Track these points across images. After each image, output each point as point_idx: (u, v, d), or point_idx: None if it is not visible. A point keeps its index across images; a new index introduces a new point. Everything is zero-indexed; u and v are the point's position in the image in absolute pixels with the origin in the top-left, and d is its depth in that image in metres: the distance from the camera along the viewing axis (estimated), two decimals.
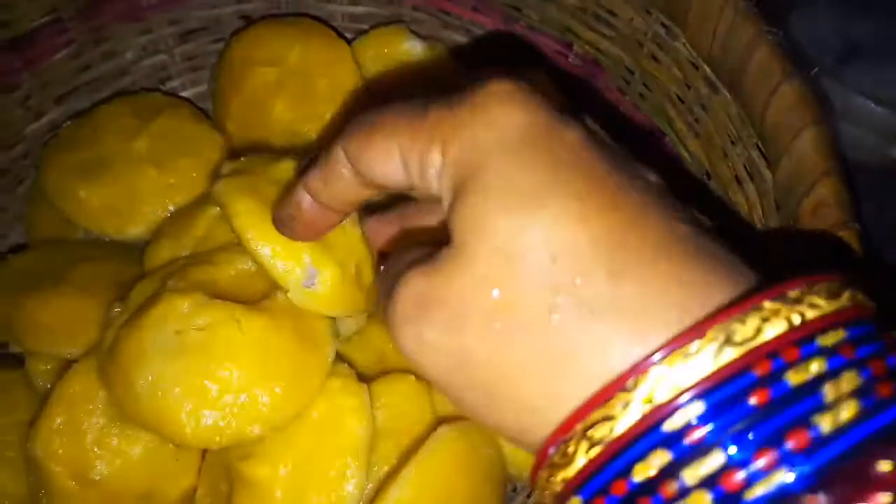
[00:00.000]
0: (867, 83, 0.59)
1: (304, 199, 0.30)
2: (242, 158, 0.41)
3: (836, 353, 0.19)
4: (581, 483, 0.19)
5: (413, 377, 0.43)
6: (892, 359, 0.19)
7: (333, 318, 0.41)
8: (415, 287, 0.23)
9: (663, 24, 0.45)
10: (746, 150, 0.41)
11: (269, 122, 0.51)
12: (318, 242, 0.36)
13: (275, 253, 0.36)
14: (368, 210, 0.38)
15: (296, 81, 0.51)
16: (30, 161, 0.53)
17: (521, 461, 0.49)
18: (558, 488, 0.20)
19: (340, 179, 0.28)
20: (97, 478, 0.39)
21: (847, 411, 0.18)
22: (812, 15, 0.62)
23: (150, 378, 0.36)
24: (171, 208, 0.49)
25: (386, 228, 0.35)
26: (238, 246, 0.41)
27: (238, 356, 0.36)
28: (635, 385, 0.19)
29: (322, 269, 0.36)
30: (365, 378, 0.42)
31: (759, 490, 0.17)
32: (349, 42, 0.54)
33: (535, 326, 0.21)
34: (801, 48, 0.61)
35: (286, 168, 0.39)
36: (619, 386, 0.19)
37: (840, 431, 0.18)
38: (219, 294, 0.38)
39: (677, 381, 0.19)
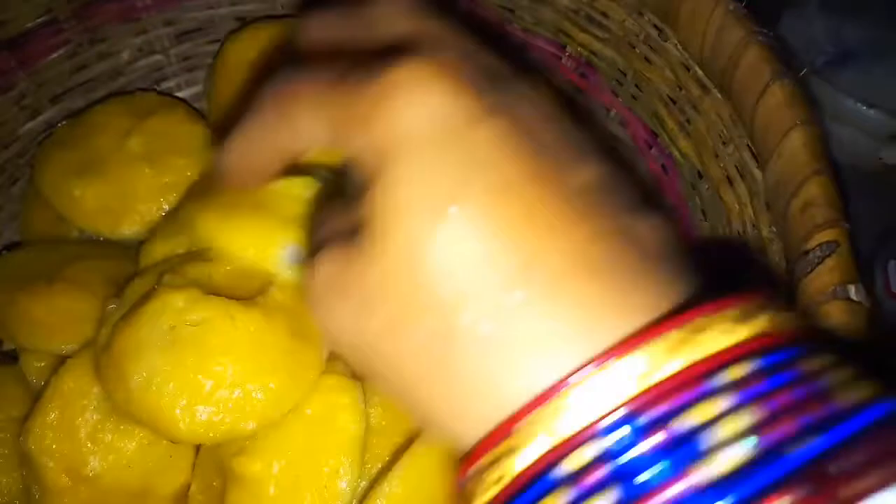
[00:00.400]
0: (859, 86, 0.59)
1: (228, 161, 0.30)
2: None
3: (736, 389, 0.18)
4: None
5: None
6: (800, 391, 0.18)
7: None
8: (331, 265, 0.23)
9: (655, 26, 0.46)
10: (737, 151, 0.41)
11: None
12: (280, 222, 0.38)
13: (247, 245, 0.38)
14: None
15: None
16: (24, 160, 0.53)
17: None
18: None
19: (263, 140, 0.28)
20: (91, 474, 0.39)
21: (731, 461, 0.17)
22: (804, 16, 0.63)
23: (144, 373, 0.37)
24: (166, 207, 0.49)
25: (324, 32, 0.30)
26: None
27: (232, 351, 0.37)
28: (534, 419, 0.18)
29: (298, 242, 0.38)
30: (359, 376, 0.42)
31: None
32: None
33: (433, 339, 0.21)
34: (793, 50, 0.61)
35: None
36: (517, 419, 0.19)
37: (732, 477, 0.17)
38: (214, 290, 0.39)
39: (575, 417, 0.18)
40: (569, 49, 0.52)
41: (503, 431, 0.19)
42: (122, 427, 0.40)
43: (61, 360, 0.42)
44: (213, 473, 0.41)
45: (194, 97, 0.58)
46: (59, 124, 0.52)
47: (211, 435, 0.37)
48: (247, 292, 0.39)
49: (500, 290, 0.20)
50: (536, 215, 0.20)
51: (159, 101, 0.54)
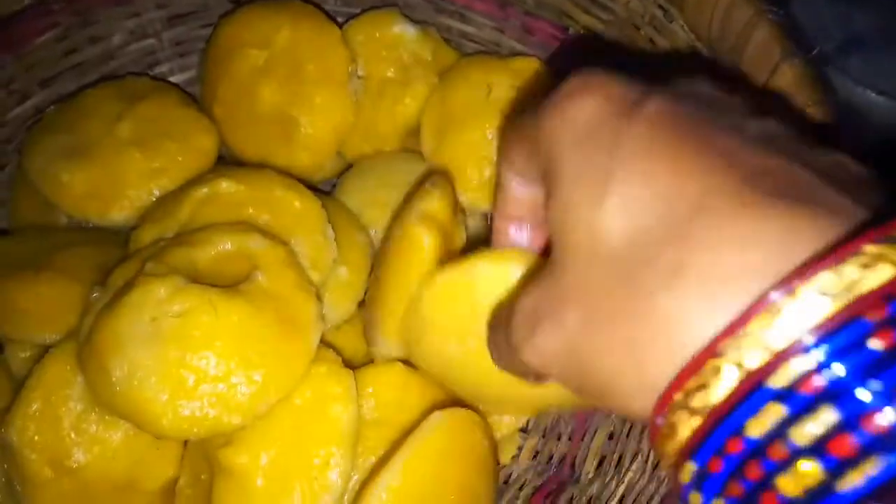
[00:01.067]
0: (868, 73, 0.58)
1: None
2: None
3: None
4: (690, 450, 0.19)
5: (400, 365, 0.42)
6: None
7: (320, 301, 0.40)
8: (523, 308, 0.24)
9: (661, 7, 0.44)
10: None
11: (257, 106, 0.50)
12: None
13: None
14: None
15: (284, 65, 0.50)
16: (13, 145, 0.52)
17: (509, 453, 0.48)
18: (672, 458, 0.20)
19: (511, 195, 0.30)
20: (74, 465, 0.38)
21: None
22: (812, 3, 0.61)
23: (125, 367, 0.35)
24: (157, 192, 0.48)
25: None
26: (219, 226, 0.40)
27: (215, 344, 0.35)
28: (725, 350, 0.18)
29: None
30: (352, 365, 0.41)
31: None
32: (340, 26, 0.53)
33: (625, 311, 0.21)
34: (803, 35, 0.59)
35: None
36: (709, 353, 0.19)
37: None
38: (198, 276, 0.37)
39: (781, 331, 0.18)
40: (572, 31, 0.51)
41: (706, 355, 0.19)
42: (106, 417, 0.39)
43: (46, 350, 0.40)
44: (202, 465, 0.40)
45: (187, 82, 0.57)
46: (49, 109, 0.51)
47: (195, 430, 0.36)
48: (232, 278, 0.38)
49: (683, 222, 0.20)
50: (705, 153, 0.21)
51: (151, 85, 0.53)
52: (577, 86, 0.24)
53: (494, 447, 0.42)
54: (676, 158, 0.21)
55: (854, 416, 0.16)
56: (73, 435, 0.38)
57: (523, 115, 0.27)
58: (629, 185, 0.21)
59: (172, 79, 0.57)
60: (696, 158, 0.21)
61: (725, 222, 0.20)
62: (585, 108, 0.23)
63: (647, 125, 0.22)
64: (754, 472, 0.18)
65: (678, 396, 0.19)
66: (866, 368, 0.17)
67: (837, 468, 0.17)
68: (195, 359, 0.35)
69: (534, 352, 0.24)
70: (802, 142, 0.23)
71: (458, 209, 0.43)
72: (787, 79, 0.35)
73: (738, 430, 0.18)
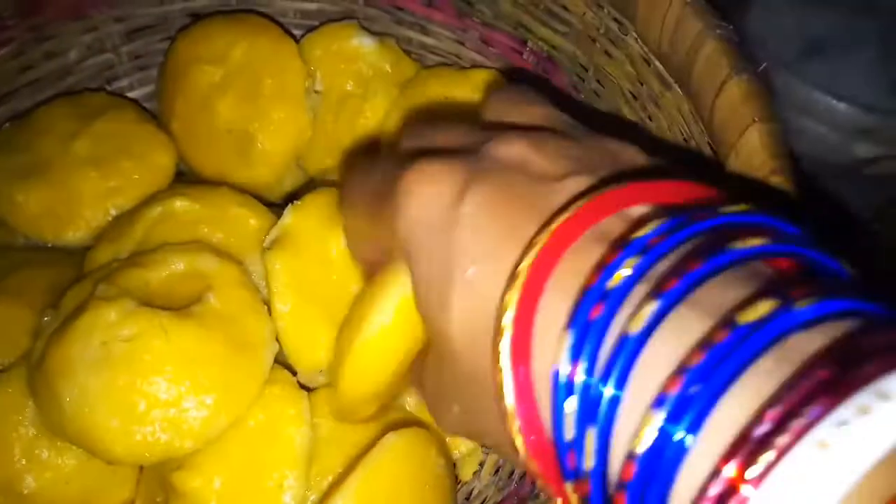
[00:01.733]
0: (828, 79, 0.58)
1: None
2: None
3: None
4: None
5: None
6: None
7: (272, 322, 0.39)
8: (427, 397, 0.28)
9: (615, 19, 0.44)
10: (699, 147, 0.40)
11: (214, 122, 0.49)
12: None
13: None
14: None
15: (241, 80, 0.50)
16: None
17: (471, 468, 0.48)
18: None
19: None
20: (26, 491, 0.38)
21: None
22: (773, 8, 0.62)
23: (76, 392, 0.35)
24: (113, 212, 0.47)
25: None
26: (171, 246, 0.40)
27: (165, 368, 0.35)
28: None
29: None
30: (307, 386, 0.41)
31: None
32: (298, 39, 0.53)
33: (480, 408, 0.24)
34: (762, 42, 0.60)
35: None
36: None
37: None
38: (150, 298, 0.37)
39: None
40: (530, 44, 0.51)
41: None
42: (58, 443, 0.38)
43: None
44: (158, 489, 0.40)
45: (147, 96, 0.56)
46: (3, 126, 0.50)
47: (147, 455, 0.35)
48: (184, 299, 0.38)
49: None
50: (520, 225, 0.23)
51: (108, 101, 0.52)
52: (408, 184, 0.25)
53: (451, 465, 0.42)
54: (500, 235, 0.23)
55: None
56: (23, 461, 0.38)
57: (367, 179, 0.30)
58: (466, 276, 0.23)
59: (132, 93, 0.56)
60: (513, 232, 0.23)
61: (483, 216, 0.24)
62: (424, 199, 0.25)
63: (467, 223, 0.24)
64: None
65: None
66: None
67: None
68: (146, 384, 0.35)
69: (446, 427, 0.28)
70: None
71: None
72: (735, 95, 0.35)
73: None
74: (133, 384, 0.35)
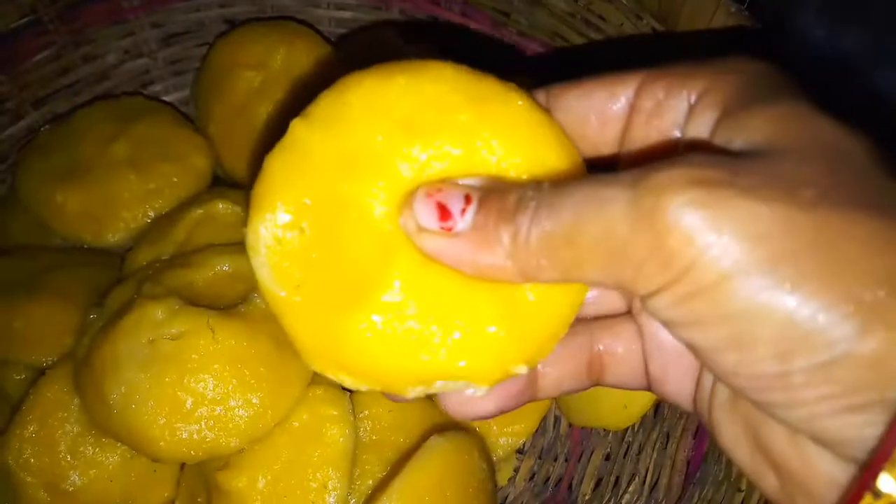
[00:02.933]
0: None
1: None
2: None
3: None
4: None
5: None
6: None
7: None
8: (706, 158, 0.20)
9: (654, 29, 0.45)
10: None
11: (253, 128, 0.50)
12: None
13: None
14: None
15: (280, 85, 0.50)
16: (6, 166, 0.52)
17: (506, 475, 0.48)
18: None
19: None
20: (70, 489, 0.38)
21: None
22: (803, 24, 0.62)
23: (122, 389, 0.35)
24: (152, 214, 0.47)
25: None
26: (216, 247, 0.40)
27: (212, 367, 0.35)
28: None
29: None
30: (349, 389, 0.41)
31: None
32: (334, 45, 0.53)
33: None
34: (791, 61, 0.60)
35: None
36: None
37: None
38: (195, 298, 0.37)
39: None
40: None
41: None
42: (103, 440, 0.38)
43: (41, 373, 0.40)
44: (199, 488, 0.40)
45: (182, 101, 0.57)
46: (42, 129, 0.51)
47: (192, 453, 0.35)
48: (230, 299, 0.38)
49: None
50: None
51: (145, 105, 0.53)
52: None
53: (493, 470, 0.42)
54: None
55: None
56: (69, 458, 0.38)
57: None
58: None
59: (167, 98, 0.57)
60: None
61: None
62: None
63: None
64: None
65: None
66: None
67: None
68: (193, 381, 0.35)
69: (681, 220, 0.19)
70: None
71: None
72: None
73: None
74: (180, 382, 0.35)
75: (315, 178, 0.23)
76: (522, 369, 0.23)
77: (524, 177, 0.23)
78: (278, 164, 0.23)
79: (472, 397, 0.24)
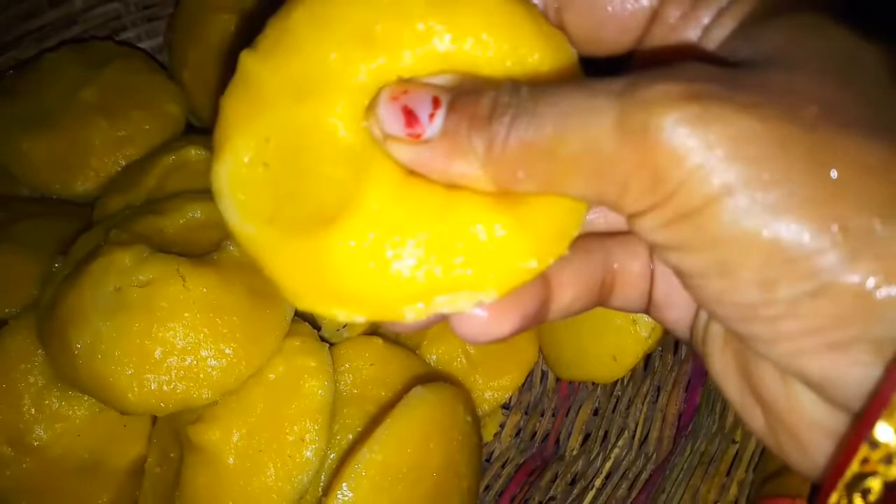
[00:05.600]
0: None
1: None
2: None
3: None
4: None
5: (379, 340, 0.40)
6: None
7: None
8: (702, 69, 0.18)
9: None
10: None
11: (229, 72, 0.48)
12: None
13: None
14: None
15: (257, 28, 0.48)
16: None
17: (491, 430, 0.47)
18: None
19: None
20: (36, 443, 0.37)
21: None
22: None
23: (88, 339, 0.34)
24: (123, 162, 0.46)
25: None
26: (188, 194, 0.38)
27: (182, 315, 0.34)
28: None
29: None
30: (329, 340, 0.39)
31: None
32: None
33: None
34: None
35: None
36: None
37: None
38: (165, 245, 0.36)
39: None
40: None
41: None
42: (69, 393, 0.37)
43: (4, 323, 0.38)
44: (171, 443, 0.38)
45: (156, 49, 0.54)
46: (7, 74, 0.49)
47: (162, 405, 0.34)
48: (202, 247, 0.36)
49: None
50: None
51: (116, 50, 0.51)
52: None
53: (478, 424, 0.41)
54: None
55: None
56: (33, 411, 0.37)
57: None
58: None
59: (140, 45, 0.54)
60: None
61: None
62: None
63: None
64: None
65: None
66: None
67: None
68: (162, 331, 0.34)
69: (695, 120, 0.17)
70: None
71: None
72: None
73: None
74: (148, 331, 0.33)
75: (271, 110, 0.21)
76: (533, 264, 0.20)
77: (501, 78, 0.20)
78: (233, 102, 0.22)
79: (483, 318, 0.22)
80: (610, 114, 0.18)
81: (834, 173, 0.17)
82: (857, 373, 0.17)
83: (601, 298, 0.25)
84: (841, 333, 0.17)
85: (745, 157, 0.17)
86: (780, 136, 0.17)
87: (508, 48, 0.21)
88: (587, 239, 0.24)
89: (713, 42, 0.20)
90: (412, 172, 0.20)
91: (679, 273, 0.20)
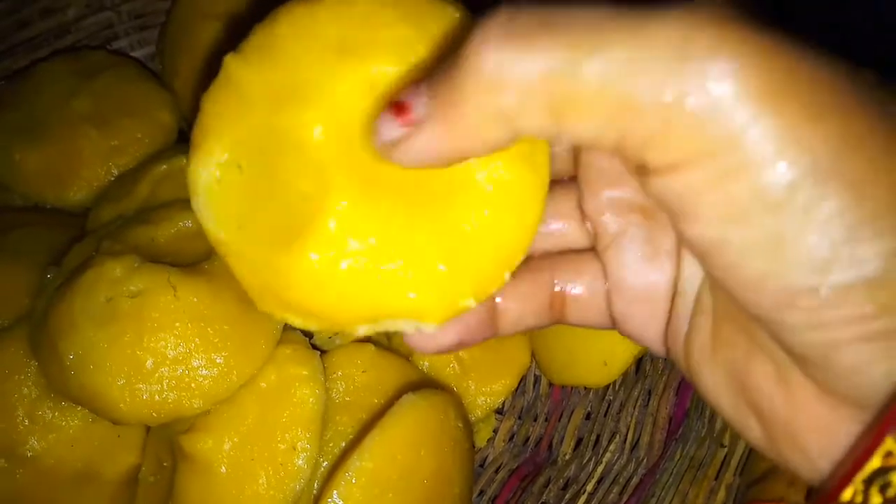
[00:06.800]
0: None
1: None
2: None
3: None
4: None
5: (372, 347, 0.40)
6: None
7: None
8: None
9: None
10: None
11: None
12: None
13: None
14: None
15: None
16: None
17: (485, 435, 0.47)
18: None
19: None
20: (29, 454, 0.37)
21: None
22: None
23: (79, 350, 0.34)
24: (115, 171, 0.46)
25: None
26: (179, 203, 0.38)
27: (173, 325, 0.34)
28: None
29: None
30: (321, 348, 0.40)
31: None
32: None
33: None
34: None
35: None
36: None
37: None
38: (157, 255, 0.36)
39: None
40: None
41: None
42: (62, 403, 0.37)
43: None
44: (165, 452, 0.38)
45: (148, 57, 0.55)
46: None
47: (154, 415, 0.34)
48: (193, 257, 0.36)
49: None
50: None
51: (108, 59, 0.51)
52: None
53: (470, 429, 0.41)
54: None
55: None
56: (27, 422, 0.37)
57: None
58: None
59: (132, 54, 0.54)
60: None
61: None
62: None
63: None
64: None
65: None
66: None
67: None
68: (153, 341, 0.34)
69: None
70: None
71: None
72: None
73: None
74: (139, 341, 0.34)
75: (250, 114, 0.22)
76: (471, 302, 0.21)
77: None
78: (213, 104, 0.22)
79: (427, 335, 0.23)
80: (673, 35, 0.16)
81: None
82: (886, 366, 0.16)
83: (554, 316, 0.25)
84: (883, 324, 0.16)
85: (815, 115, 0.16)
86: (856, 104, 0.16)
87: None
88: (536, 260, 0.24)
89: None
90: (370, 195, 0.21)
91: (712, 250, 0.18)
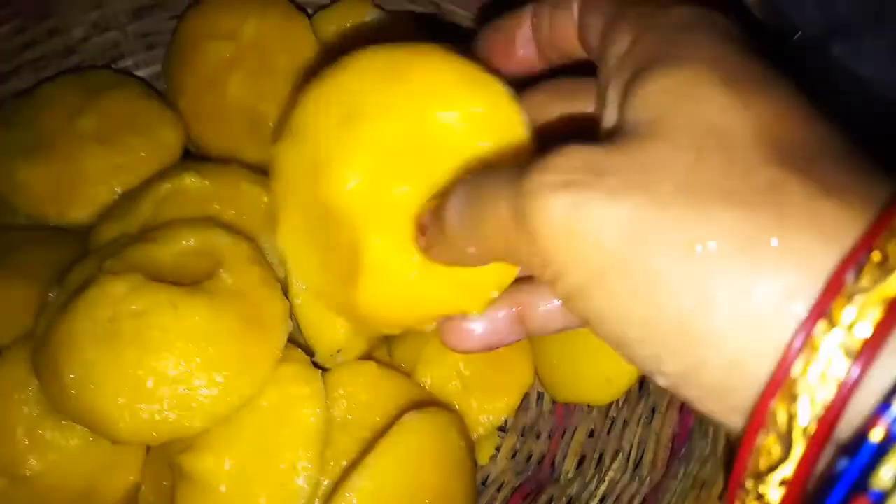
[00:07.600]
0: (851, 58, 0.57)
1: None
2: None
3: None
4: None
5: (374, 365, 0.40)
6: None
7: (286, 300, 0.38)
8: (576, 155, 0.20)
9: None
10: None
11: (224, 100, 0.48)
12: None
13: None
14: None
15: (252, 57, 0.48)
16: None
17: (487, 453, 0.47)
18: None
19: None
20: (28, 473, 0.37)
21: None
22: None
23: (80, 369, 0.34)
24: (119, 190, 0.46)
25: (552, 107, 0.29)
26: (182, 222, 0.38)
27: (175, 344, 0.34)
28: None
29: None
30: (322, 366, 0.40)
31: None
32: (310, 17, 0.51)
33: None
34: (784, 21, 0.58)
35: None
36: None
37: None
38: (159, 274, 0.36)
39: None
40: None
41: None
42: (63, 423, 0.37)
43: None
44: (165, 472, 0.38)
45: (154, 76, 0.55)
46: (5, 103, 0.49)
47: (154, 434, 0.34)
48: (195, 276, 0.36)
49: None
50: None
51: (113, 78, 0.51)
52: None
53: (472, 448, 0.41)
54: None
55: None
56: (27, 441, 0.37)
57: None
58: None
59: (138, 73, 0.55)
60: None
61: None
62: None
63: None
64: None
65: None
66: None
67: None
68: (154, 360, 0.34)
69: (570, 208, 0.19)
70: None
71: None
72: None
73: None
74: (140, 360, 0.34)
75: (299, 190, 0.29)
76: (495, 294, 0.27)
77: (468, 136, 0.27)
78: (275, 182, 0.31)
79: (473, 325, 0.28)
80: (506, 202, 0.21)
81: (698, 248, 0.18)
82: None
83: (523, 332, 0.28)
84: (726, 403, 0.19)
85: (607, 242, 0.19)
86: (639, 217, 0.19)
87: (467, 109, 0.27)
88: None
89: (614, 97, 0.23)
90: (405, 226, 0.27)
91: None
